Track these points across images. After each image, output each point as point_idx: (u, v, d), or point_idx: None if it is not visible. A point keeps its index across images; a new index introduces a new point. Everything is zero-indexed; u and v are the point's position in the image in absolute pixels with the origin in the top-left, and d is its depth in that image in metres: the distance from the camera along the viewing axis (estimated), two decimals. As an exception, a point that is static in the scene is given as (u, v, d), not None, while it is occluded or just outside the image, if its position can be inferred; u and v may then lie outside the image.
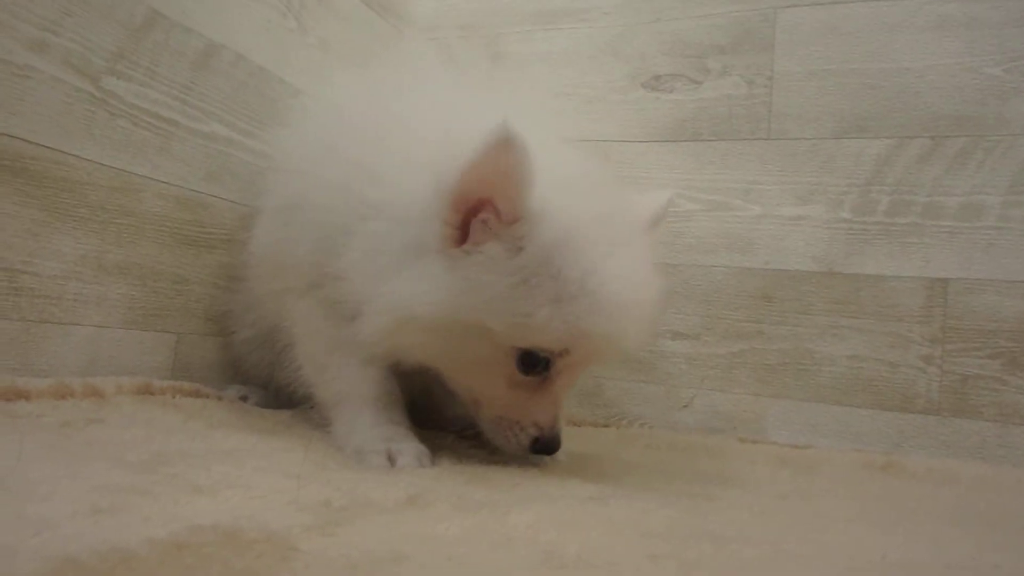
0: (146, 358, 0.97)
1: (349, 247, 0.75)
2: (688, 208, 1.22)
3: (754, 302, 1.17)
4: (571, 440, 1.05)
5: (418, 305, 0.69)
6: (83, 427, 0.73)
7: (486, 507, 0.56)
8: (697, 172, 1.22)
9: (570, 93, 1.33)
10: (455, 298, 0.68)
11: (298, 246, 0.82)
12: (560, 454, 0.87)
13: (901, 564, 0.51)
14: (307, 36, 1.20)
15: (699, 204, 1.22)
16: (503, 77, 1.38)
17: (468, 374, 0.76)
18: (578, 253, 0.69)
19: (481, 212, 0.69)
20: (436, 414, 0.94)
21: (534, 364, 0.72)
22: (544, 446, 0.76)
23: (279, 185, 0.88)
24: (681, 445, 1.06)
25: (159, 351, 0.99)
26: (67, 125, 0.85)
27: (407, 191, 0.73)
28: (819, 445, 1.09)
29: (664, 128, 1.26)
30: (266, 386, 1.03)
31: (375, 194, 0.75)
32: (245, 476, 0.58)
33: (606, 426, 1.19)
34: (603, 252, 0.70)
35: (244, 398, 1.03)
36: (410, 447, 0.76)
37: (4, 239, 0.80)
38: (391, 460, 0.74)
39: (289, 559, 0.39)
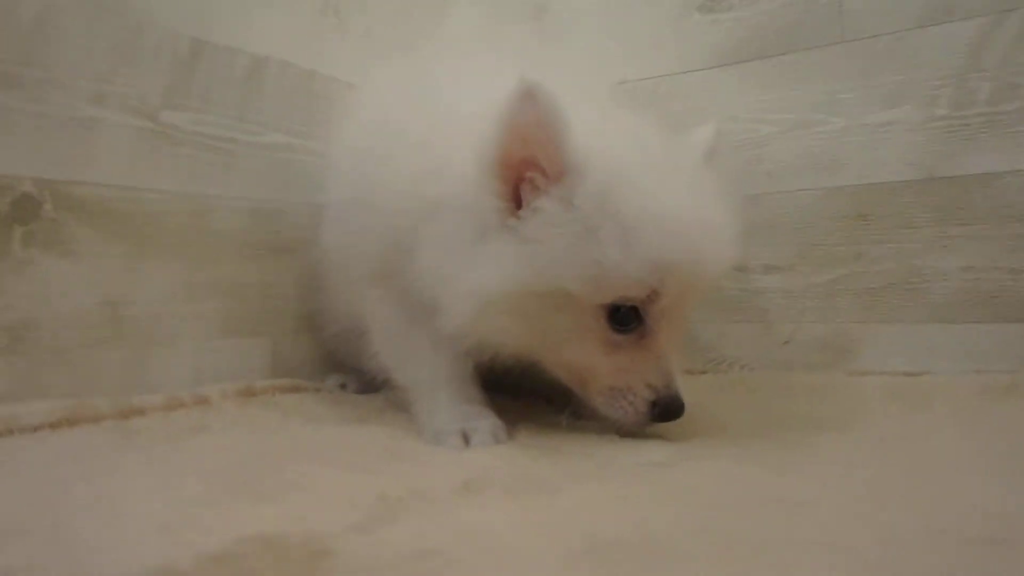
0: (246, 362, 1.04)
1: (419, 246, 0.75)
2: (763, 133, 1.14)
3: (849, 223, 1.08)
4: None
5: (491, 286, 0.68)
6: (189, 437, 0.79)
7: (540, 487, 0.56)
8: (767, 92, 1.14)
9: (622, 34, 1.27)
10: (523, 268, 0.67)
11: (365, 241, 0.84)
12: None
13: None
14: (349, 29, 1.22)
15: (774, 126, 1.14)
16: (550, 31, 1.34)
17: (563, 350, 0.72)
18: (632, 188, 0.67)
19: (526, 174, 0.67)
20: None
21: (625, 318, 0.69)
22: (664, 409, 0.70)
23: (337, 182, 0.90)
24: (783, 385, 1.01)
25: (258, 354, 1.06)
26: (135, 163, 0.91)
27: (460, 177, 0.72)
28: (936, 370, 1.00)
29: (726, 51, 1.17)
30: (362, 373, 1.08)
31: (432, 190, 0.74)
32: (315, 475, 0.61)
33: (703, 372, 1.16)
34: (658, 182, 0.68)
35: (343, 386, 1.09)
36: (485, 424, 0.77)
37: (102, 277, 0.88)
38: (466, 439, 0.76)
39: (319, 563, 0.42)
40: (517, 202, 0.69)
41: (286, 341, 1.10)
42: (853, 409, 0.87)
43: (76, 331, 0.85)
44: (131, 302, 0.91)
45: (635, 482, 0.58)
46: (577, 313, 0.68)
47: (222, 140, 1.01)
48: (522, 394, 0.98)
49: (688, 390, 1.01)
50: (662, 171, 0.70)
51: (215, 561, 0.42)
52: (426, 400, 0.82)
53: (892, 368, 1.03)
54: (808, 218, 1.11)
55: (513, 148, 0.66)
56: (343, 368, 1.11)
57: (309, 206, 1.10)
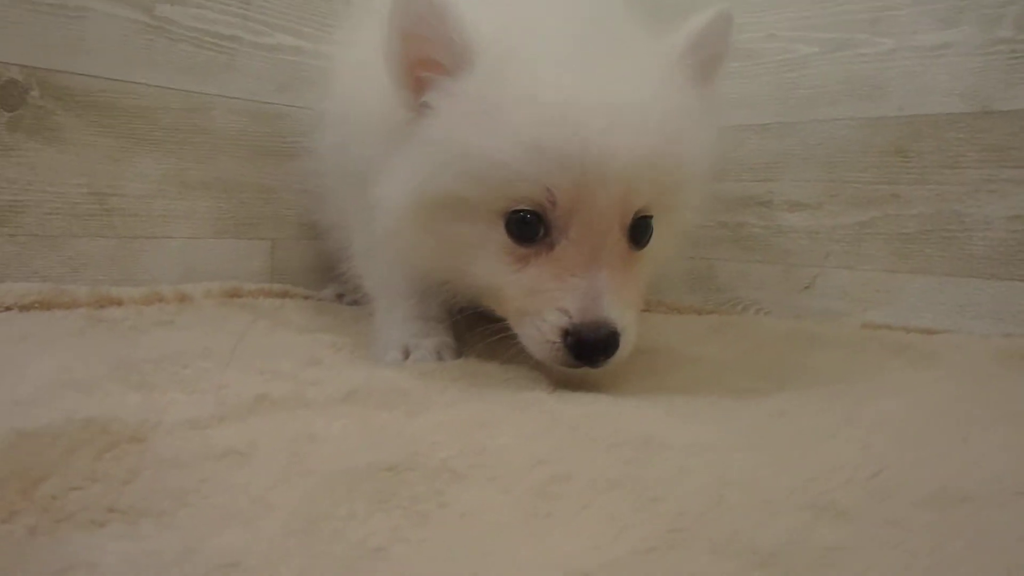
0: (243, 264, 1.06)
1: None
2: (803, 52, 1.02)
3: (886, 159, 0.96)
4: (652, 332, 0.97)
5: (395, 197, 0.64)
6: (149, 329, 0.82)
7: (409, 407, 0.54)
8: (814, 5, 1.01)
9: None
10: (419, 174, 0.61)
11: (352, 148, 0.82)
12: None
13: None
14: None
15: (816, 45, 1.01)
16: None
17: (470, 268, 0.65)
18: (535, 74, 0.58)
19: (422, 74, 0.62)
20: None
21: (525, 226, 0.59)
22: (578, 340, 0.57)
23: (336, 89, 0.87)
24: (781, 333, 0.93)
25: (255, 257, 1.07)
26: (128, 56, 0.92)
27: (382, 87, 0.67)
28: (965, 329, 0.89)
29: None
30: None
31: (365, 99, 0.70)
32: (214, 375, 0.61)
33: (712, 312, 1.08)
34: (554, 66, 0.58)
35: (340, 295, 1.09)
36: (429, 342, 0.76)
37: (89, 167, 0.90)
38: (405, 354, 0.74)
39: (117, 449, 0.41)
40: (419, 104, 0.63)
41: (286, 246, 1.11)
42: (842, 361, 0.78)
43: (62, 218, 0.89)
44: (120, 194, 0.93)
45: (516, 411, 0.54)
46: (478, 223, 0.61)
47: (223, 38, 1.01)
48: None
49: (677, 329, 0.97)
50: (575, 55, 0.60)
51: (24, 435, 0.42)
52: (384, 313, 0.81)
53: (918, 324, 0.92)
54: (842, 152, 1.00)
55: (407, 48, 0.61)
56: (342, 278, 1.11)
57: (314, 112, 1.09)
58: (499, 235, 0.61)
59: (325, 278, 1.14)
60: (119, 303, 0.89)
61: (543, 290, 0.59)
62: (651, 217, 0.63)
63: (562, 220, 0.59)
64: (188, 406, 0.51)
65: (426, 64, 0.61)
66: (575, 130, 0.56)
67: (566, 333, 0.58)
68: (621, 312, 0.59)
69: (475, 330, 0.75)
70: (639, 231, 0.63)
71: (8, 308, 0.81)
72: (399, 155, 0.65)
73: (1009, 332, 0.86)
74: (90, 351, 0.68)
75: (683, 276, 1.16)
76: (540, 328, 0.59)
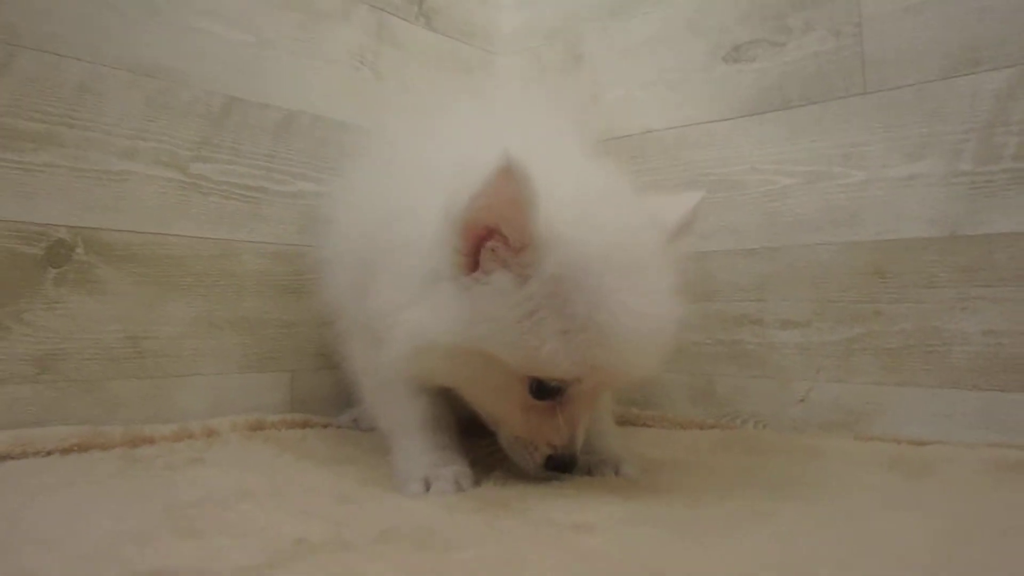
0: (265, 397, 1.11)
1: (374, 281, 0.80)
2: (784, 184, 1.12)
3: (867, 280, 1.04)
4: (660, 447, 1.02)
5: (432, 333, 0.71)
6: (183, 467, 0.86)
7: (445, 543, 0.58)
8: (790, 143, 1.11)
9: (653, 81, 1.27)
10: (466, 327, 0.70)
11: (342, 292, 0.90)
12: (628, 468, 0.86)
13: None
14: (384, 83, 1.29)
15: (795, 178, 1.11)
16: (585, 81, 1.37)
17: (486, 398, 0.78)
18: (585, 284, 0.68)
19: (490, 240, 0.70)
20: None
21: (546, 392, 0.73)
22: (557, 464, 0.76)
23: (328, 235, 0.96)
24: (782, 447, 0.98)
25: (276, 389, 1.13)
26: (164, 211, 1.00)
27: (426, 222, 0.75)
28: (954, 439, 0.94)
29: (750, 101, 1.16)
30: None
31: (398, 228, 0.78)
32: (255, 516, 0.66)
33: (713, 427, 1.13)
34: (613, 282, 0.68)
35: (355, 421, 1.14)
36: (448, 472, 0.80)
37: (125, 314, 0.97)
38: (427, 486, 0.78)
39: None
40: (474, 261, 0.71)
41: (305, 376, 1.16)
42: (841, 476, 0.83)
43: (99, 363, 0.94)
44: (151, 337, 0.99)
45: (539, 545, 0.58)
46: (505, 375, 0.72)
47: (250, 189, 1.10)
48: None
49: (683, 444, 1.01)
50: (621, 265, 0.70)
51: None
52: (400, 447, 0.86)
53: (908, 434, 0.97)
54: (826, 273, 1.07)
55: (482, 215, 0.69)
56: (358, 404, 1.16)
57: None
58: (520, 388, 0.73)
59: (342, 404, 1.19)
60: (151, 441, 0.94)
61: (543, 431, 0.75)
62: None
63: (575, 391, 0.73)
64: (237, 552, 0.55)
65: (493, 233, 0.69)
66: (619, 355, 0.69)
67: (550, 458, 0.76)
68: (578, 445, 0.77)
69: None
70: None
71: (50, 453, 0.85)
72: (437, 292, 0.72)
73: (993, 440, 0.91)
74: (133, 495, 0.72)
75: (685, 391, 1.21)
76: (532, 455, 0.77)
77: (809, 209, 1.09)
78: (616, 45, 1.33)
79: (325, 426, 1.10)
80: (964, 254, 0.96)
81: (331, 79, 1.20)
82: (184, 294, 1.02)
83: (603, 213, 0.74)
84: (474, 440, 0.88)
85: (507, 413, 0.76)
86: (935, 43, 0.98)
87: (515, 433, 0.77)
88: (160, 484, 0.78)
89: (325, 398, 1.18)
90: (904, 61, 1.00)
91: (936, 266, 0.98)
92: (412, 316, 0.73)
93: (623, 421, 1.20)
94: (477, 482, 0.82)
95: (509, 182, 0.65)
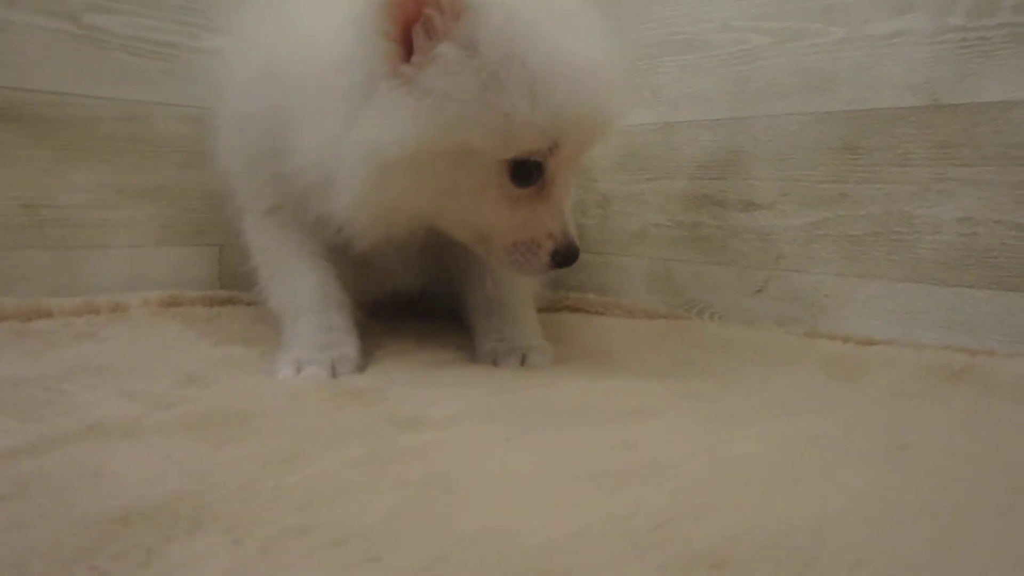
0: (189, 271, 1.07)
1: (294, 132, 0.69)
2: (756, 43, 0.97)
3: (836, 156, 0.91)
4: (595, 336, 0.95)
5: (389, 145, 0.62)
6: (66, 343, 0.83)
7: (249, 431, 0.53)
8: (764, -5, 0.96)
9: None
10: (424, 123, 0.62)
11: (237, 160, 0.82)
12: (536, 358, 0.80)
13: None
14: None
15: (769, 36, 0.96)
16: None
17: (467, 210, 0.69)
18: (537, 35, 0.62)
19: (419, 17, 0.61)
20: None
21: (528, 173, 0.67)
22: (564, 257, 0.71)
23: (221, 97, 0.86)
24: (722, 340, 0.90)
25: (201, 264, 1.08)
26: (56, 67, 0.93)
27: (331, 31, 0.66)
28: (911, 339, 0.84)
29: (727, -54, 0.99)
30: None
31: (306, 57, 0.69)
32: (78, 395, 0.62)
33: (663, 317, 1.04)
34: (561, 27, 0.64)
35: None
36: (326, 356, 0.75)
37: (20, 180, 0.92)
38: (298, 369, 0.74)
39: None
40: (407, 48, 0.62)
41: (236, 250, 1.11)
42: (764, 376, 0.74)
43: (-7, 230, 0.90)
44: (52, 205, 0.94)
45: (347, 440, 0.53)
46: (481, 171, 0.65)
47: (161, 45, 1.01)
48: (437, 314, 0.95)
49: (617, 334, 0.94)
50: (559, 13, 0.66)
51: None
52: (289, 327, 0.80)
53: (864, 331, 0.87)
54: (793, 147, 0.94)
55: (400, 5, 0.60)
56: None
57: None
58: (501, 182, 0.66)
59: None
60: (49, 315, 0.91)
61: (536, 223, 0.69)
62: None
63: (555, 164, 0.67)
64: (12, 435, 0.51)
65: (420, 5, 0.61)
66: (587, 95, 0.64)
67: (555, 253, 0.70)
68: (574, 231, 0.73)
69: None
70: None
71: (-69, 321, 0.83)
72: (379, 99, 0.63)
73: (951, 343, 0.80)
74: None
75: (643, 277, 1.12)
76: (536, 255, 0.70)
77: (781, 73, 0.95)
78: None
79: (250, 304, 1.06)
80: (944, 127, 0.82)
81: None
82: (87, 159, 0.96)
83: None
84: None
85: (494, 216, 0.69)
86: None
87: (510, 240, 0.70)
88: (25, 360, 0.75)
89: (258, 273, 1.13)
90: None
91: (912, 141, 0.84)
92: (362, 136, 0.63)
93: (576, 308, 1.13)
94: (362, 367, 0.77)
95: None
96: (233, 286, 1.09)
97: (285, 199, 0.78)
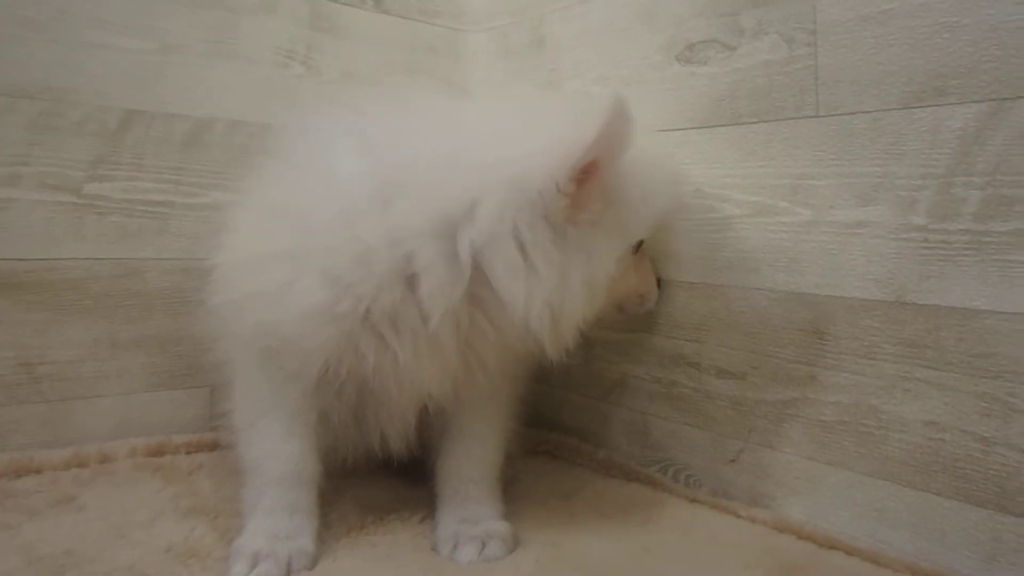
0: (180, 413, 1.10)
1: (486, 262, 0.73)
2: (728, 214, 0.96)
3: (804, 337, 0.89)
4: (551, 497, 0.94)
5: (607, 269, 0.77)
6: (44, 510, 0.87)
7: None
8: (738, 165, 0.95)
9: (608, 76, 1.12)
10: (621, 241, 0.81)
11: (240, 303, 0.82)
12: (495, 548, 0.80)
13: None
14: (322, 76, 1.20)
15: (740, 208, 0.95)
16: (546, 64, 1.22)
17: (615, 289, 0.81)
18: (645, 168, 0.82)
19: (593, 179, 0.73)
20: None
21: (638, 245, 0.88)
22: (659, 283, 0.99)
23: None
24: (679, 525, 0.88)
25: (192, 405, 1.12)
26: (54, 236, 0.99)
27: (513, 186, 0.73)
28: (880, 540, 0.80)
29: (701, 110, 0.99)
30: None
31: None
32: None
33: (635, 479, 1.03)
34: (646, 155, 0.82)
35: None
36: (285, 549, 0.76)
37: (15, 340, 0.97)
38: (253, 564, 0.75)
39: None
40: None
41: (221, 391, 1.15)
42: (694, 565, 0.73)
43: (-10, 391, 0.96)
44: (47, 362, 1.00)
45: None
46: (625, 259, 0.83)
47: (155, 204, 1.06)
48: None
49: (581, 498, 0.93)
50: (646, 146, 0.82)
51: None
52: (253, 496, 0.82)
53: (835, 524, 0.85)
54: (763, 322, 0.93)
55: (599, 154, 0.71)
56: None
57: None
58: (628, 256, 0.85)
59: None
60: (38, 471, 0.96)
61: (644, 281, 0.95)
62: None
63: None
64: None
65: (598, 170, 0.73)
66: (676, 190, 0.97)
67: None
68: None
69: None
70: None
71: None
72: (568, 240, 0.74)
73: (920, 552, 0.77)
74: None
75: (623, 427, 1.11)
76: (642, 301, 0.96)
77: (751, 246, 0.94)
78: (576, 30, 1.18)
79: (229, 447, 1.09)
80: (910, 325, 0.79)
81: (252, 80, 1.13)
82: (82, 317, 1.02)
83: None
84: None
85: (628, 286, 0.89)
86: (897, 63, 0.78)
87: (635, 295, 0.93)
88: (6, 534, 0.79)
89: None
90: (862, 81, 0.82)
91: (879, 335, 0.82)
92: (579, 276, 0.75)
93: (555, 454, 1.13)
94: (315, 560, 0.78)
95: (625, 118, 0.71)
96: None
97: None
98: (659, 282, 0.98)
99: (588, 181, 0.72)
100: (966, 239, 0.75)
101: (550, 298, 0.73)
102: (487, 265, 0.72)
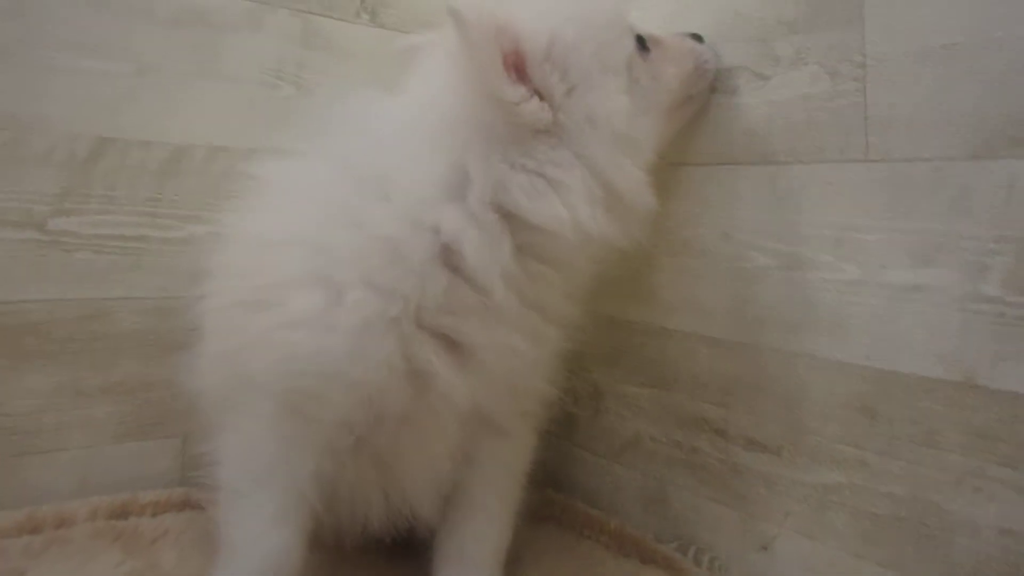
0: (150, 465, 1.01)
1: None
2: (760, 264, 0.84)
3: (851, 414, 0.76)
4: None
5: (618, 126, 0.71)
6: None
7: None
8: (771, 210, 0.83)
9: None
10: (615, 98, 0.72)
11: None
12: None
13: None
14: (313, 96, 1.10)
15: (774, 258, 0.82)
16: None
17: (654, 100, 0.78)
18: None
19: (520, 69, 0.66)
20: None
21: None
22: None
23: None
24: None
25: (162, 457, 1.02)
26: (14, 276, 0.90)
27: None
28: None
29: (728, 145, 0.87)
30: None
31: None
32: None
33: (652, 561, 0.91)
34: None
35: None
36: None
37: (-29, 391, 0.88)
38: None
39: None
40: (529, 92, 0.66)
41: (200, 438, 1.05)
42: None
43: (-63, 446, 0.87)
44: (6, 413, 0.91)
45: None
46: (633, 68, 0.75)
47: (128, 239, 0.97)
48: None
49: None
50: None
51: None
52: None
53: (879, 640, 0.72)
54: (803, 392, 0.80)
55: (500, 44, 0.64)
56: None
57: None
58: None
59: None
60: (-14, 537, 0.86)
61: (685, 57, 0.85)
62: None
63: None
64: None
65: (519, 61, 0.66)
66: None
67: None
68: None
69: None
70: None
71: None
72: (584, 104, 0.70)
73: None
74: None
75: (636, 493, 0.99)
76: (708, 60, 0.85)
77: (786, 303, 0.81)
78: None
79: (201, 508, 0.98)
80: (981, 413, 0.66)
81: (235, 102, 1.04)
82: (43, 363, 0.93)
83: None
84: None
85: (662, 75, 0.80)
86: (965, 106, 0.66)
87: (680, 80, 0.82)
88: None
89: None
90: (921, 125, 0.69)
91: (942, 420, 0.69)
92: (588, 169, 0.69)
93: (562, 521, 1.01)
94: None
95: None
96: (200, 472, 1.03)
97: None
98: (697, 37, 0.85)
99: (523, 69, 0.66)
100: (1053, 315, 0.62)
101: (590, 191, 0.68)
102: (512, 208, 0.67)
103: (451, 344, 0.69)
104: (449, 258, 0.67)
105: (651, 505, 0.98)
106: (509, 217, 0.67)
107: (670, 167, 0.92)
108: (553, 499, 1.05)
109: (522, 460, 0.84)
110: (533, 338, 0.72)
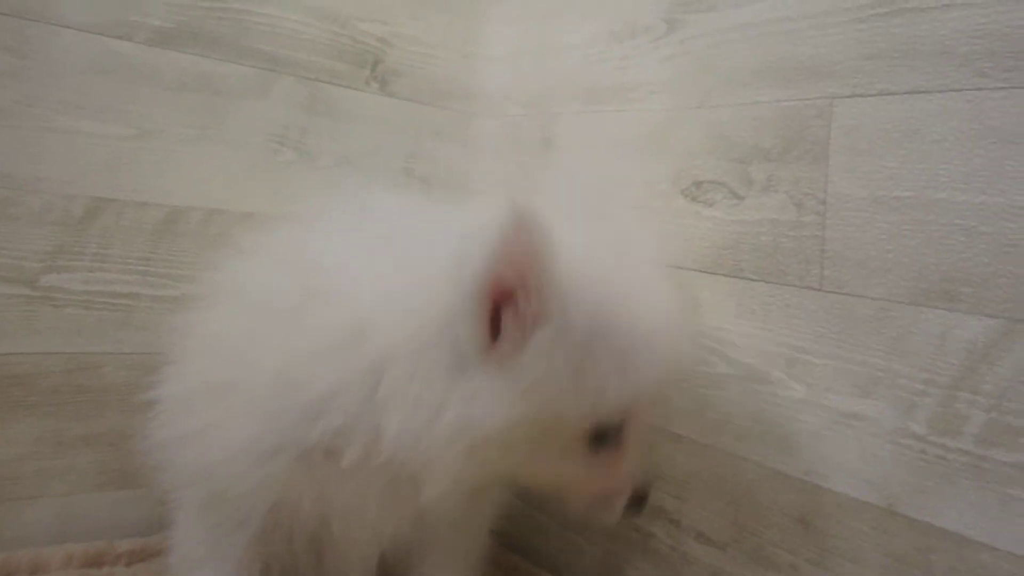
0: (127, 514, 1.04)
1: (381, 411, 0.64)
2: (722, 372, 0.90)
3: (789, 523, 0.83)
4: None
5: (486, 423, 0.61)
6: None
7: None
8: (736, 321, 0.89)
9: (614, 195, 1.07)
10: (520, 402, 0.61)
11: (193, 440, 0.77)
12: None
13: None
14: (316, 161, 1.14)
15: (733, 367, 0.89)
16: (550, 168, 1.17)
17: (545, 473, 0.71)
18: (627, 306, 0.66)
19: (508, 303, 0.61)
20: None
21: (605, 436, 0.69)
22: (634, 507, 0.75)
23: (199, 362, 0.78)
24: None
25: (141, 505, 1.05)
26: (3, 329, 0.93)
27: (420, 315, 0.63)
28: None
29: (703, 253, 0.93)
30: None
31: (375, 342, 0.64)
32: None
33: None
34: (646, 294, 0.69)
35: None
36: None
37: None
38: None
39: None
40: (494, 331, 0.61)
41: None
42: None
43: (-82, 493, 0.90)
44: (-13, 464, 0.94)
45: None
46: (561, 438, 0.67)
47: (119, 296, 1.01)
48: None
49: None
50: (643, 278, 0.70)
51: None
52: None
53: None
54: (749, 496, 0.87)
55: (504, 276, 0.59)
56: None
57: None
58: (579, 447, 0.68)
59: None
60: (-41, 585, 0.89)
61: (611, 479, 0.72)
62: None
63: (629, 424, 0.70)
64: None
65: (514, 294, 0.60)
66: (668, 363, 0.69)
67: (628, 504, 0.74)
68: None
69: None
70: None
71: None
72: (471, 381, 0.62)
73: None
74: None
75: (597, 568, 1.05)
76: (614, 507, 0.74)
77: (741, 412, 0.88)
78: (584, 139, 1.13)
79: (175, 559, 1.02)
80: (900, 538, 0.73)
81: (235, 166, 1.07)
82: (27, 414, 0.96)
83: (598, 235, 0.69)
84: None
85: (572, 476, 0.71)
86: (908, 255, 0.73)
87: (586, 495, 0.74)
88: None
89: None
90: (869, 265, 0.76)
91: (866, 540, 0.76)
92: (458, 418, 0.61)
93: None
94: None
95: (528, 232, 0.58)
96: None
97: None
98: (642, 499, 0.75)
99: (500, 307, 0.61)
100: (965, 460, 0.69)
101: (413, 433, 0.63)
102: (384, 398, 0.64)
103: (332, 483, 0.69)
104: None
105: (606, 579, 1.03)
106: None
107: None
108: (518, 566, 1.10)
109: (474, 536, 0.87)
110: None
